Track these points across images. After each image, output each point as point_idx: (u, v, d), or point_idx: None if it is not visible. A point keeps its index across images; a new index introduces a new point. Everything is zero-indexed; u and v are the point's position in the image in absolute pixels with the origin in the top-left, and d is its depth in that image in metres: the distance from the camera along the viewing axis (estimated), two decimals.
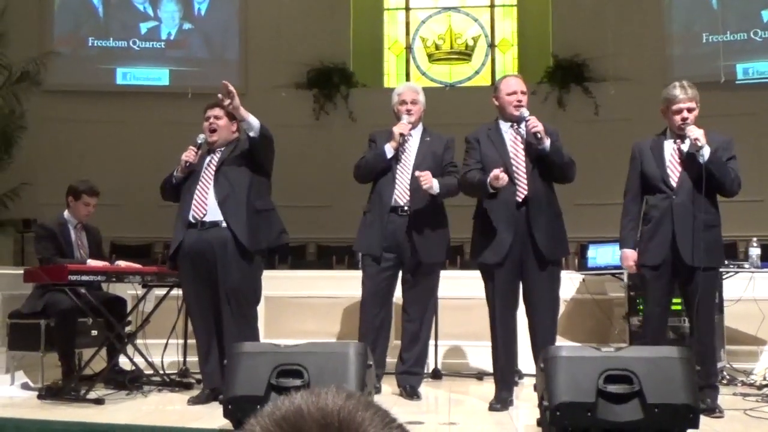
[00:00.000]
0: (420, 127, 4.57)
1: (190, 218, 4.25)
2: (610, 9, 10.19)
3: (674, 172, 3.95)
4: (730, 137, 4.01)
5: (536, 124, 3.96)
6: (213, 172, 4.30)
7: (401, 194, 4.41)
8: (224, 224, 4.19)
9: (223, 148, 4.38)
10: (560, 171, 4.06)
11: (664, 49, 10.13)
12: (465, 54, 11.07)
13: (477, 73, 11.14)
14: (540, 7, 10.79)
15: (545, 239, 3.99)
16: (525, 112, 4.04)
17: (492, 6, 11.32)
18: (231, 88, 4.07)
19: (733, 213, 9.13)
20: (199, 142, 4.38)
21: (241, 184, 4.24)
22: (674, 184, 3.93)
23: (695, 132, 3.80)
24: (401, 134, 4.40)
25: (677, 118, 3.91)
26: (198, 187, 4.29)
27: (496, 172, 3.87)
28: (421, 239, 4.36)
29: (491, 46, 11.21)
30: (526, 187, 4.01)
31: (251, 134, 4.17)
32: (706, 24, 10.06)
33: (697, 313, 3.87)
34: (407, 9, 11.42)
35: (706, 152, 3.80)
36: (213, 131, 4.36)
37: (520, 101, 4.08)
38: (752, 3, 9.93)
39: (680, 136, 3.93)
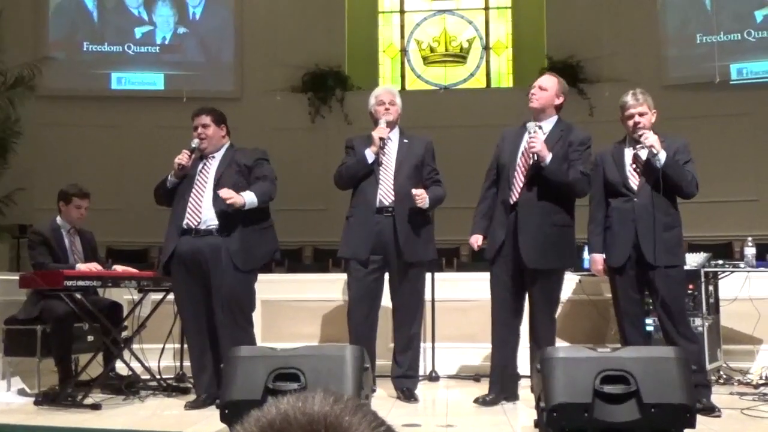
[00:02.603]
0: (397, 130, 4.59)
1: (184, 225, 4.24)
2: (605, 10, 10.20)
3: (634, 176, 4.07)
4: (686, 141, 4.13)
5: (534, 144, 4.02)
6: (206, 179, 4.29)
7: (386, 195, 4.42)
8: (218, 232, 4.18)
9: (216, 154, 4.37)
10: (561, 187, 4.07)
11: (658, 50, 10.16)
12: (460, 56, 11.10)
13: (472, 75, 11.16)
14: (534, 8, 10.81)
15: (530, 245, 4.02)
16: (531, 126, 4.09)
17: (486, 8, 11.34)
18: (227, 195, 4.02)
19: (729, 213, 9.28)
20: (194, 146, 4.38)
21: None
22: (635, 188, 4.04)
23: (650, 139, 3.92)
24: (380, 138, 4.42)
25: (630, 123, 4.05)
26: (192, 193, 4.28)
27: (472, 241, 4.27)
28: (406, 239, 4.36)
29: (486, 48, 11.22)
30: (518, 192, 4.08)
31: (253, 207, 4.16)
32: (700, 25, 10.09)
33: (670, 312, 3.92)
34: (402, 12, 11.43)
35: (662, 157, 3.93)
36: (202, 139, 4.36)
37: (534, 94, 4.20)
38: (745, 3, 9.95)
39: (637, 141, 4.03)
